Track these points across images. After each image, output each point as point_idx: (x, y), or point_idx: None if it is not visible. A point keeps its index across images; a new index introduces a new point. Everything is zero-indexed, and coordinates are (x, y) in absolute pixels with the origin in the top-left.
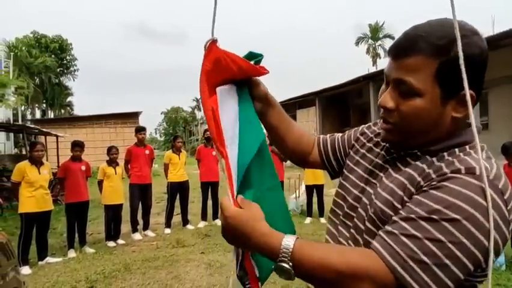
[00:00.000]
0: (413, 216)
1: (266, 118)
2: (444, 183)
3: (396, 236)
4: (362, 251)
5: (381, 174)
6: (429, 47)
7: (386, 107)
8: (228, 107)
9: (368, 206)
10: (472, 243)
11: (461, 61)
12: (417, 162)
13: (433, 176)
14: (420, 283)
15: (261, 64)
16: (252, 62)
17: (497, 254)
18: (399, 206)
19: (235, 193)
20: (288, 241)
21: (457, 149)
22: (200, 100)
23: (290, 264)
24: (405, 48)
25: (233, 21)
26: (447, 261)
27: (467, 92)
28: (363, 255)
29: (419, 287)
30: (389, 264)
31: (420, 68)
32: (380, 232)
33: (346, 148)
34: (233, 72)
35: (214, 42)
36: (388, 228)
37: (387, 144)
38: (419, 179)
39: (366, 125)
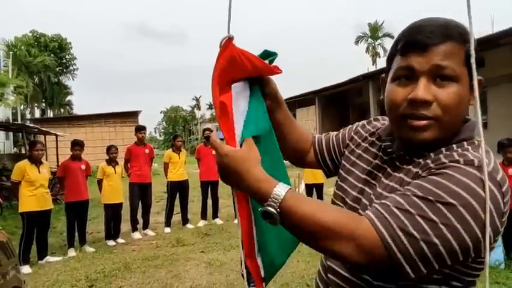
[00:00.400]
0: (408, 193)
1: (273, 115)
2: (444, 170)
3: (390, 208)
4: (354, 214)
5: (380, 174)
6: (458, 34)
7: (426, 99)
8: (242, 103)
9: (369, 207)
10: (464, 229)
11: (473, 60)
12: (415, 158)
13: (431, 165)
14: (406, 255)
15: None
16: (266, 61)
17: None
18: None
19: (238, 138)
20: (280, 189)
21: (454, 145)
22: (200, 99)
23: (278, 210)
24: (437, 35)
25: (234, 21)
26: (436, 241)
27: (475, 80)
28: (354, 218)
29: (404, 259)
30: (378, 230)
31: (454, 53)
32: (374, 204)
33: (341, 147)
34: (248, 71)
35: (230, 39)
36: (383, 200)
37: (383, 145)
38: (417, 169)
39: (361, 124)
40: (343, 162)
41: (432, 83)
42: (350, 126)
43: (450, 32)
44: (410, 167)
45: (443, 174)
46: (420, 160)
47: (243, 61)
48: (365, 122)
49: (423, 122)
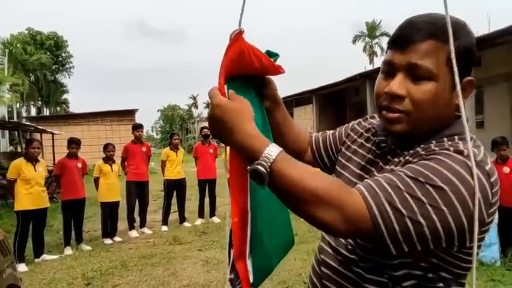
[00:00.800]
0: (400, 173)
1: (271, 116)
2: (435, 156)
3: (380, 182)
4: (345, 185)
5: (373, 169)
6: (442, 33)
7: (398, 93)
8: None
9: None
10: (451, 214)
11: (453, 55)
12: (405, 152)
13: (422, 152)
14: (390, 230)
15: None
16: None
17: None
18: None
19: (226, 91)
20: (272, 150)
21: (445, 138)
22: (197, 97)
23: (268, 170)
24: (419, 33)
25: (235, 21)
26: (422, 220)
27: (457, 77)
28: (344, 188)
29: (387, 233)
30: (367, 203)
31: (435, 52)
32: (366, 179)
33: (338, 145)
34: (254, 67)
35: (241, 32)
36: (374, 177)
37: (377, 140)
38: (407, 158)
39: (357, 121)
40: (339, 158)
41: (409, 79)
42: (347, 124)
43: (435, 30)
44: (401, 158)
45: (434, 159)
46: (410, 151)
47: (251, 57)
48: (361, 119)
49: (395, 115)
